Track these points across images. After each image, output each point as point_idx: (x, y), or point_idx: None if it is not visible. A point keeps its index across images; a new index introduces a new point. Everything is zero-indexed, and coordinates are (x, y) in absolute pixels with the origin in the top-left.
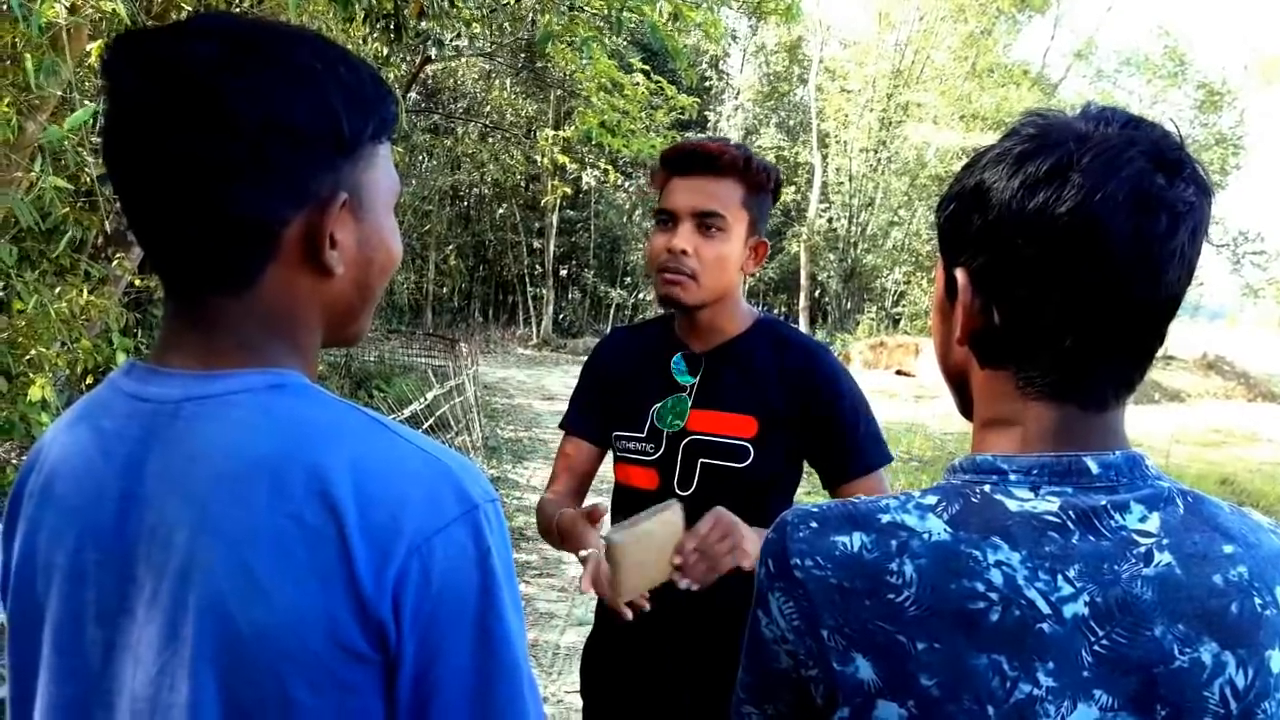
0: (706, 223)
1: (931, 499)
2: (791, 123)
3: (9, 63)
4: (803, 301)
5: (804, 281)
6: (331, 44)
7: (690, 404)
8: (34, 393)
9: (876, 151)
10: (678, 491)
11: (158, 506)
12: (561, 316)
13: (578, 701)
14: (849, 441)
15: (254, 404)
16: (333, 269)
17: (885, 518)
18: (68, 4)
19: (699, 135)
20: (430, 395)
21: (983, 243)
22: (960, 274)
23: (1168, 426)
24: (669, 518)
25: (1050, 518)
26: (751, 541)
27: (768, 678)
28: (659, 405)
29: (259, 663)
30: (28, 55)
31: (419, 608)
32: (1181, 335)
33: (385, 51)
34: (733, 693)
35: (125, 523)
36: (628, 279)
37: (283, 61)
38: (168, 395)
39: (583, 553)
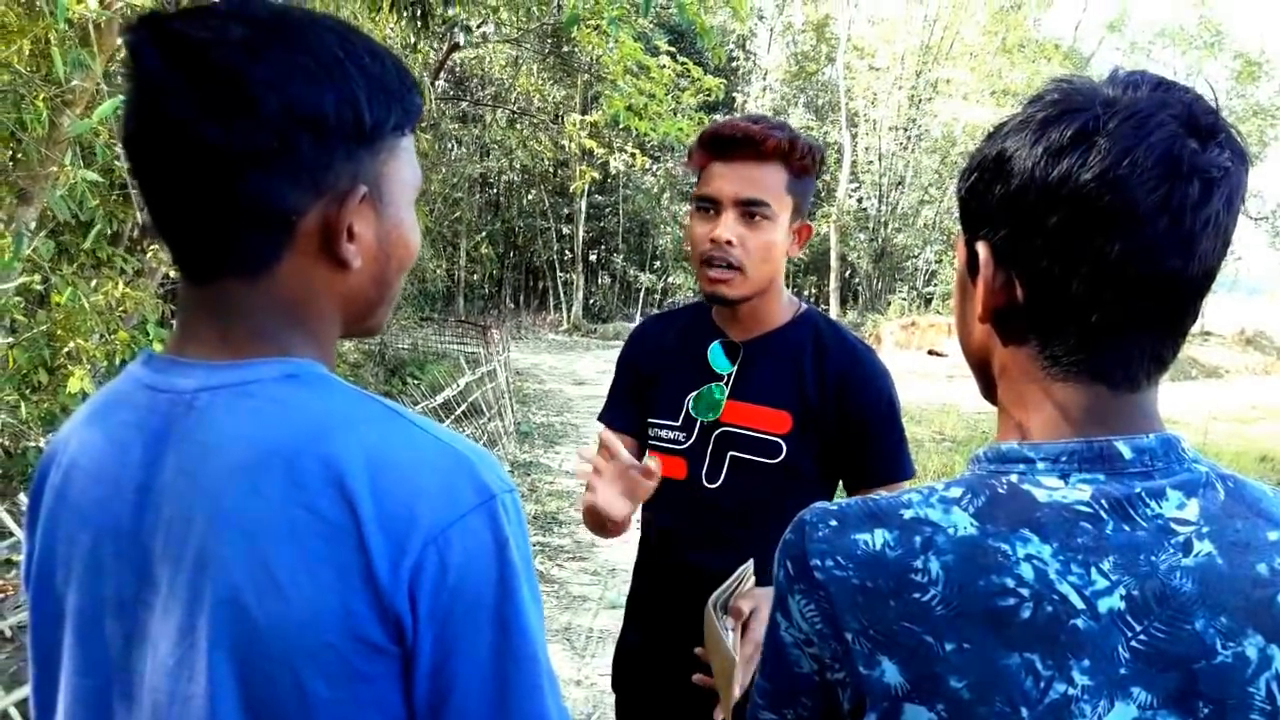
0: (751, 211)
1: (956, 491)
2: (820, 102)
3: (41, 58)
4: (833, 283)
5: (834, 263)
6: (357, 32)
7: (727, 394)
8: (73, 384)
9: (906, 129)
10: (705, 483)
11: (174, 499)
12: (592, 301)
13: (609, 684)
14: (880, 448)
15: (268, 394)
16: (349, 262)
17: (908, 513)
18: None
19: (732, 115)
20: (463, 381)
21: (1004, 214)
22: (982, 247)
23: (1205, 403)
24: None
25: (1082, 507)
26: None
27: (787, 682)
28: (695, 394)
29: (275, 655)
30: (56, 49)
31: (436, 600)
32: (1219, 310)
33: (412, 39)
34: (749, 700)
35: (142, 515)
36: (657, 263)
37: (307, 48)
38: (183, 386)
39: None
